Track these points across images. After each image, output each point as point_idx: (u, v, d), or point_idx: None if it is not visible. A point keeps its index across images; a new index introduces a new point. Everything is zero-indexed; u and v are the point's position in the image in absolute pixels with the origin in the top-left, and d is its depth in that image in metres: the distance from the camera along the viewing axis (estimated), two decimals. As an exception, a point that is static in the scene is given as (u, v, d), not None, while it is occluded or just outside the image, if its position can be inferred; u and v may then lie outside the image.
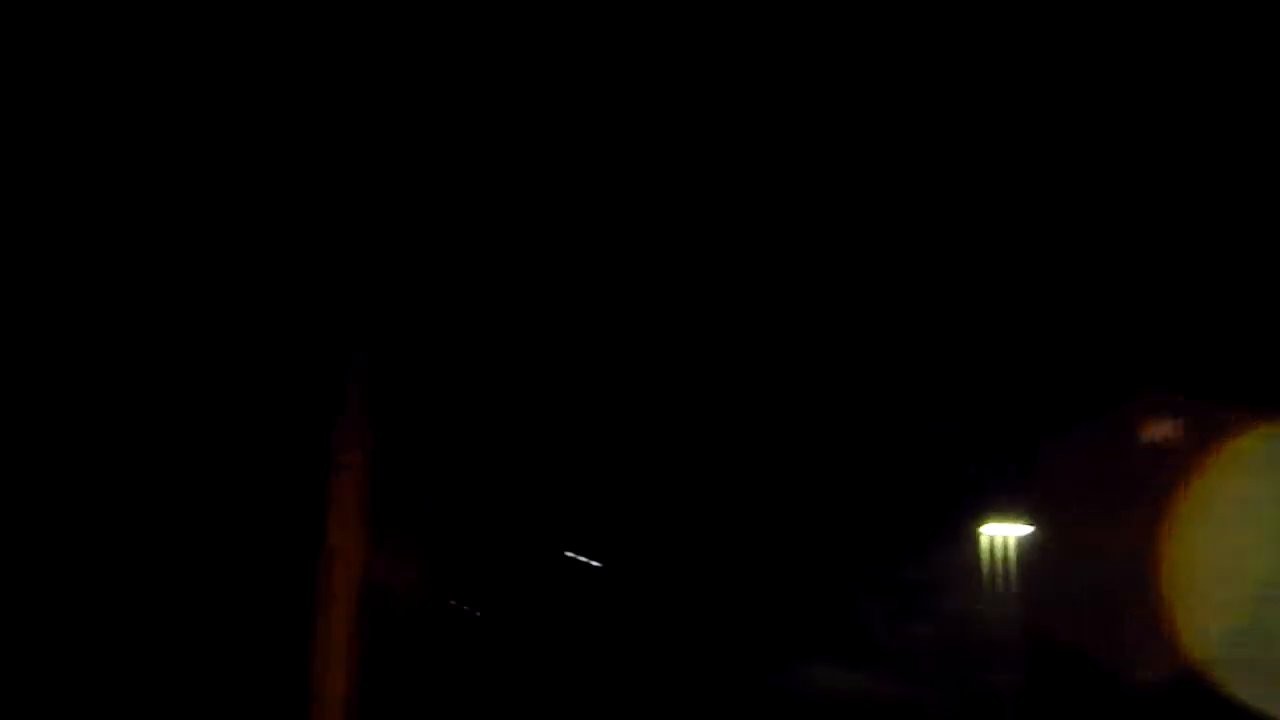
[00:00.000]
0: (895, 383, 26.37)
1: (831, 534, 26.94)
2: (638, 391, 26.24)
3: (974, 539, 25.23)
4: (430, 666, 14.82)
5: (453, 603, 20.82)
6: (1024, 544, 24.46)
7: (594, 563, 31.58)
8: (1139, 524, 23.51)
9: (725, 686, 19.81)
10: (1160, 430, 25.84)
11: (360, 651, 10.58)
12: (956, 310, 24.86)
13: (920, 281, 24.24)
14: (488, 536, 24.17)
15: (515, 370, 20.44)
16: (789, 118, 17.10)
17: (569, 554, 28.84)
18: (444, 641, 17.30)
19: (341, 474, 9.80)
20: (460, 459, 20.41)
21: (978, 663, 24.09)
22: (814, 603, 27.06)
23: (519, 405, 22.26)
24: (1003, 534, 24.28)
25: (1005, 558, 24.36)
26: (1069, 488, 25.37)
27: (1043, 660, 23.30)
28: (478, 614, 24.34)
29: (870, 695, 19.21)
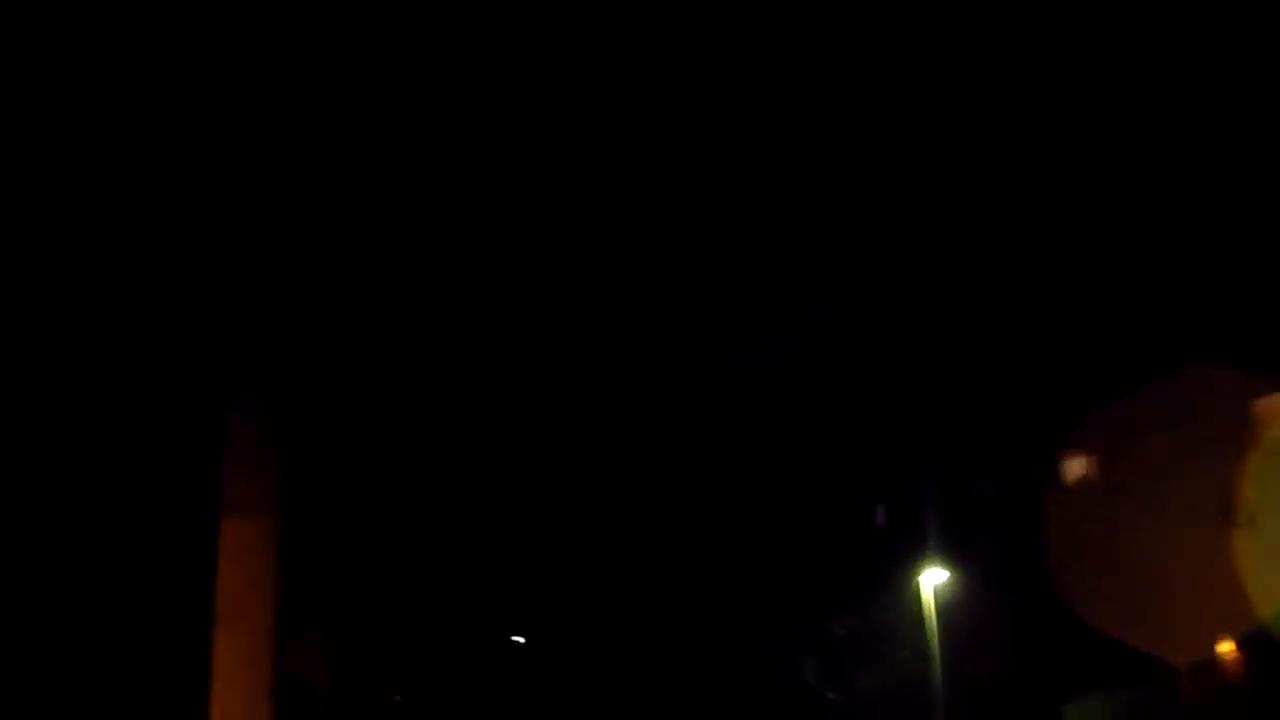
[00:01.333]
0: (824, 442, 26.25)
1: (764, 594, 26.53)
2: (556, 453, 25.65)
3: (906, 588, 25.04)
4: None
5: (370, 690, 19.78)
6: (945, 590, 24.36)
7: (518, 639, 30.67)
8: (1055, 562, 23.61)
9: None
10: (1074, 470, 26.06)
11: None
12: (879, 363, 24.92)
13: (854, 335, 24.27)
14: (403, 614, 23.20)
15: (425, 429, 19.76)
16: (782, 121, 16.87)
17: (490, 631, 27.91)
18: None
19: (236, 551, 8.84)
20: (367, 530, 19.54)
21: (917, 716, 23.77)
22: (750, 663, 26.53)
23: (429, 467, 21.49)
24: (931, 581, 24.06)
25: (932, 605, 24.16)
26: (991, 532, 25.40)
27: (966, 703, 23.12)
28: (397, 699, 23.28)
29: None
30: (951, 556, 25.18)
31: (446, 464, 22.32)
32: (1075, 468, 26.68)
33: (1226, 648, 20.63)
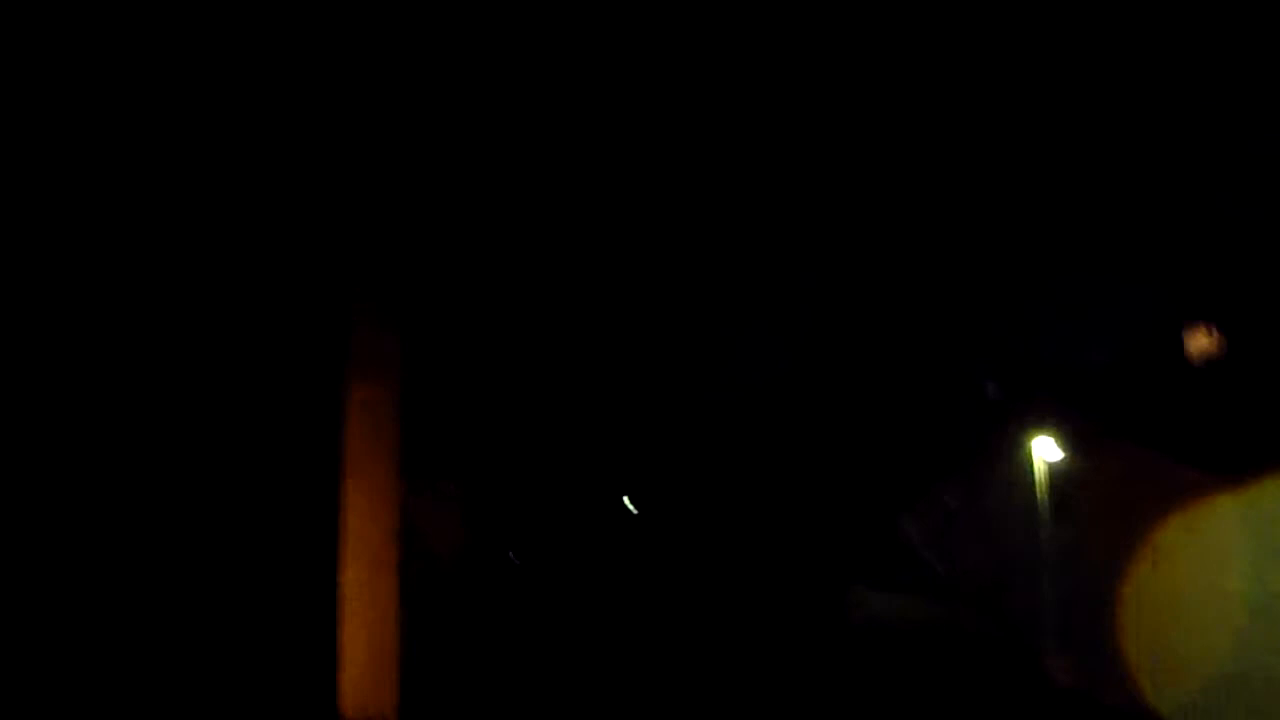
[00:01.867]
0: (935, 315, 26.04)
1: (873, 460, 26.74)
2: (671, 334, 26.01)
3: (1016, 461, 24.98)
4: (473, 618, 14.71)
5: (493, 551, 20.76)
6: (1060, 469, 24.24)
7: (632, 508, 31.57)
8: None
9: (770, 620, 19.73)
10: (1199, 344, 25.41)
11: (394, 607, 10.24)
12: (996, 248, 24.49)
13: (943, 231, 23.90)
14: (522, 483, 24.09)
15: (554, 309, 20.23)
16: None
17: (607, 499, 28.78)
18: (487, 592, 17.22)
19: (361, 410, 9.41)
20: (491, 402, 20.25)
21: (1019, 584, 23.94)
22: (858, 531, 26.93)
23: (554, 347, 22.06)
24: (1044, 457, 23.98)
25: (1046, 481, 24.11)
26: (1108, 419, 25.05)
27: (1077, 582, 23.15)
28: (518, 561, 24.35)
29: (915, 620, 19.08)
30: (1066, 428, 25.00)
31: (574, 327, 22.90)
32: (1200, 341, 26.03)
33: None
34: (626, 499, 30.39)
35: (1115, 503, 23.30)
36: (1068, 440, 24.27)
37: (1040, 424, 24.15)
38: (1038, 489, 23.69)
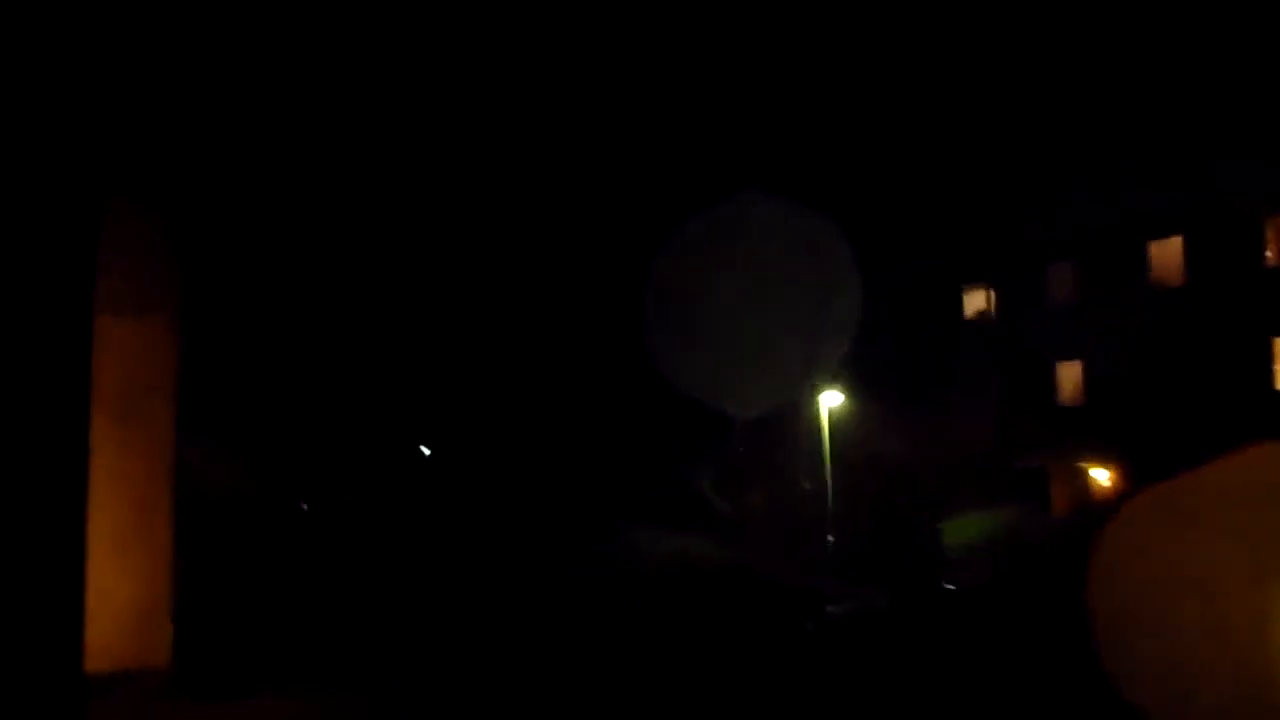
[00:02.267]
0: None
1: (663, 410, 27.22)
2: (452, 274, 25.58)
3: (802, 409, 25.94)
4: (255, 565, 14.21)
5: (276, 497, 20.06)
6: (840, 414, 25.27)
7: (424, 449, 31.16)
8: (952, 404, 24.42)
9: (558, 552, 19.85)
10: (975, 304, 26.90)
11: (166, 552, 9.61)
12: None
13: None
14: (309, 428, 23.34)
15: (339, 241, 19.51)
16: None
17: (399, 442, 28.29)
18: (269, 537, 16.64)
19: (131, 341, 8.73)
20: (273, 344, 19.44)
21: (806, 529, 24.91)
22: (648, 476, 27.42)
23: (341, 279, 21.32)
24: (827, 404, 24.91)
25: (828, 427, 25.05)
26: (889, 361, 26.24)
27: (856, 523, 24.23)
28: (305, 508, 23.64)
29: (700, 558, 19.56)
30: (849, 383, 26.11)
31: (354, 274, 22.16)
32: (975, 301, 27.61)
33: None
34: (422, 446, 29.99)
35: (889, 449, 24.41)
36: (853, 395, 25.38)
37: (828, 378, 25.14)
38: (823, 436, 24.65)
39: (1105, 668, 8.21)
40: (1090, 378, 24.32)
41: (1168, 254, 23.14)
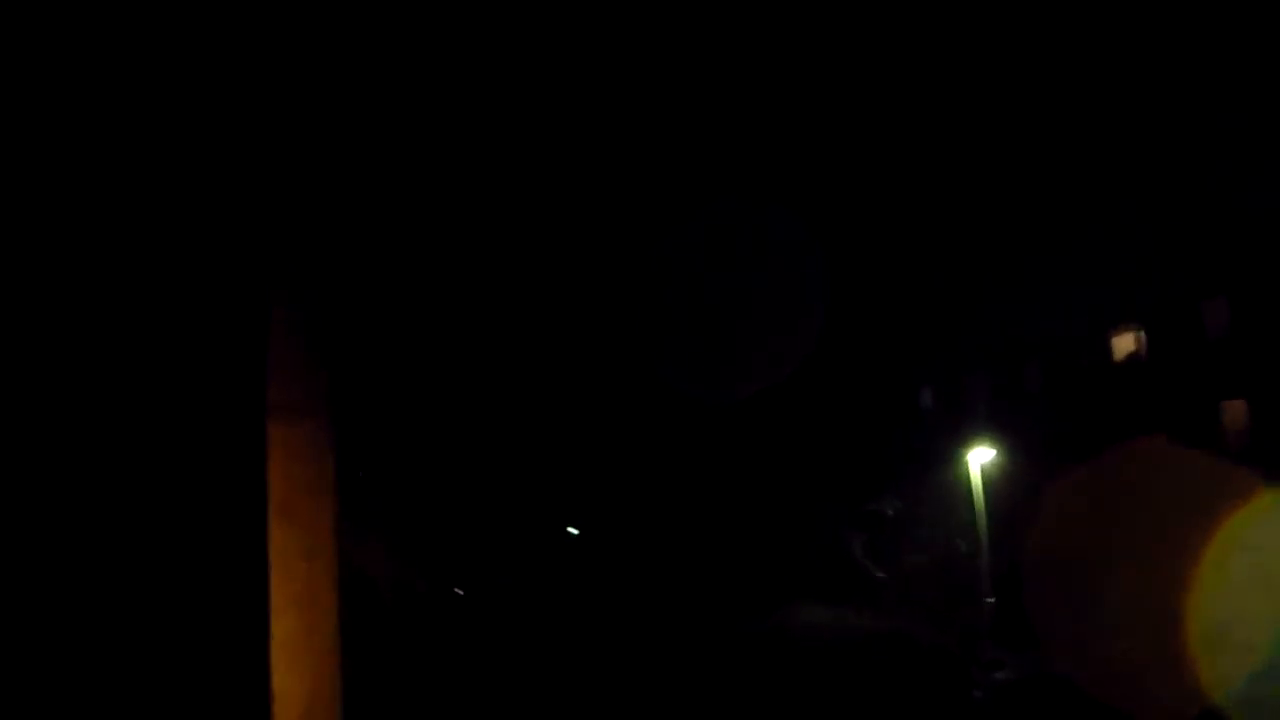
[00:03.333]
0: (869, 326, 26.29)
1: (809, 474, 26.85)
2: (601, 371, 25.94)
3: (952, 467, 25.22)
4: (419, 651, 14.47)
5: (431, 585, 20.43)
6: (994, 471, 24.49)
7: (572, 530, 31.37)
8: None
9: (715, 633, 19.62)
10: (1123, 347, 25.93)
11: (334, 653, 9.89)
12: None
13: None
14: (460, 513, 23.80)
15: (482, 344, 20.07)
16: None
17: (546, 524, 28.56)
18: (430, 624, 16.94)
19: (287, 446, 9.14)
20: (426, 438, 19.98)
21: (963, 592, 24.10)
22: (799, 544, 27.00)
23: (485, 381, 21.86)
24: (979, 461, 24.19)
25: (981, 485, 24.32)
26: (1036, 419, 25.41)
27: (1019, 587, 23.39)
28: (460, 593, 24.02)
29: (859, 630, 19.09)
30: (1001, 434, 25.30)
31: (499, 367, 22.68)
32: (1125, 344, 26.56)
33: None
34: (569, 526, 30.21)
35: (1056, 510, 23.51)
36: (1005, 449, 24.56)
37: (977, 433, 24.41)
38: (975, 498, 23.88)
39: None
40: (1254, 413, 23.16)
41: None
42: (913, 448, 26.39)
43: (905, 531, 27.85)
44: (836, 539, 26.96)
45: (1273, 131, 19.11)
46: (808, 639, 18.53)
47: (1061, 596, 15.79)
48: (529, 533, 27.03)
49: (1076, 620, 15.82)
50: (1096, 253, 25.04)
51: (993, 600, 23.52)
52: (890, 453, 27.10)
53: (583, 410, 26.85)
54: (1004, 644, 17.20)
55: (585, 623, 21.06)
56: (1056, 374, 26.12)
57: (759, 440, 27.93)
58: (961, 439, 24.99)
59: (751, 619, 20.97)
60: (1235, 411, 24.57)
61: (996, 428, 25.52)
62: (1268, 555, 15.76)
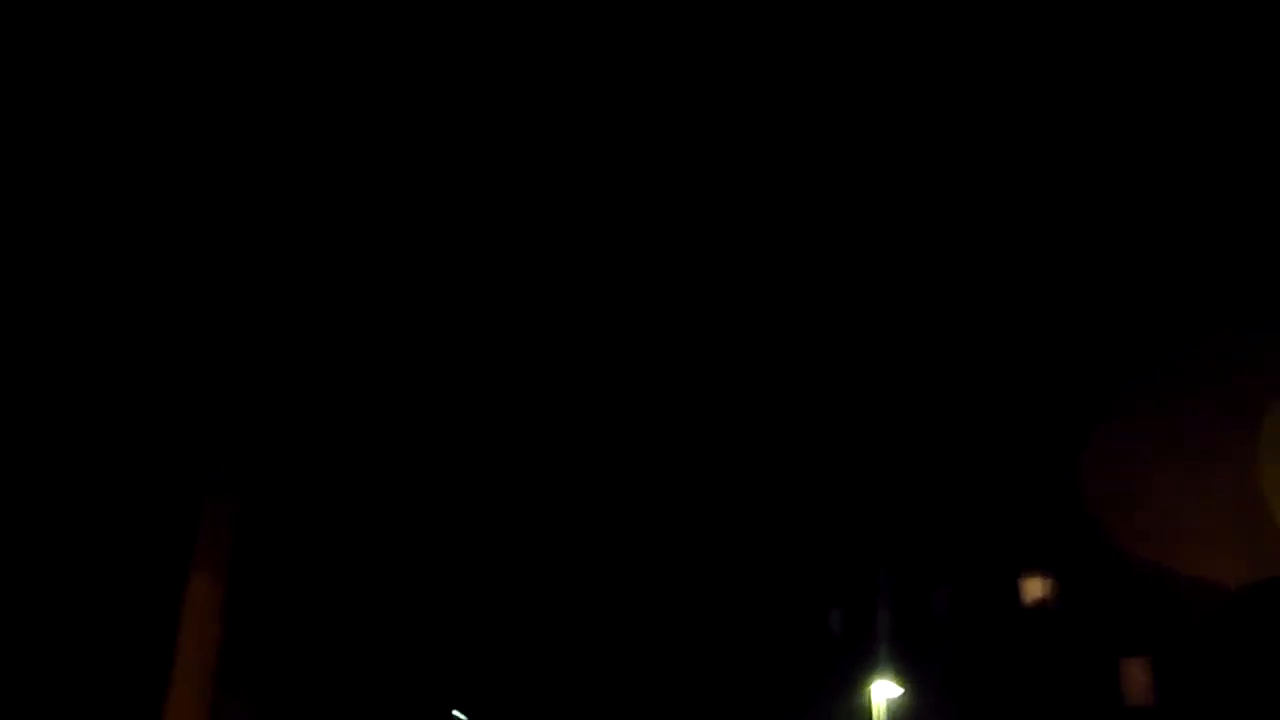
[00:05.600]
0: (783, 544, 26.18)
1: (718, 698, 26.18)
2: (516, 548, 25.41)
3: (855, 701, 24.78)
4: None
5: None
6: (897, 705, 24.15)
7: (459, 716, 30.06)
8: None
9: None
10: (1033, 593, 26.08)
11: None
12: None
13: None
14: (347, 685, 22.73)
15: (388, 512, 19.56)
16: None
17: (433, 707, 27.34)
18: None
19: (194, 604, 8.85)
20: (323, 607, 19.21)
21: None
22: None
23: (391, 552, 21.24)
24: (883, 694, 23.84)
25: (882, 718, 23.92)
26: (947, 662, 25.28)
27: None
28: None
29: None
30: (905, 668, 25.03)
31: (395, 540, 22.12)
32: (1034, 589, 26.73)
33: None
34: (454, 711, 28.95)
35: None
36: (909, 682, 24.27)
37: (880, 664, 24.16)
38: (876, 730, 23.46)
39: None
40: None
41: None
42: (820, 674, 26.00)
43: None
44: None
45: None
46: None
47: None
48: (416, 713, 25.87)
49: None
50: (1012, 493, 25.49)
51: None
52: (797, 678, 26.68)
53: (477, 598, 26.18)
54: None
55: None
56: (964, 608, 26.12)
57: (659, 660, 27.36)
58: (868, 666, 24.68)
59: None
60: (1137, 669, 24.67)
61: (902, 657, 25.28)
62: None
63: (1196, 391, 19.33)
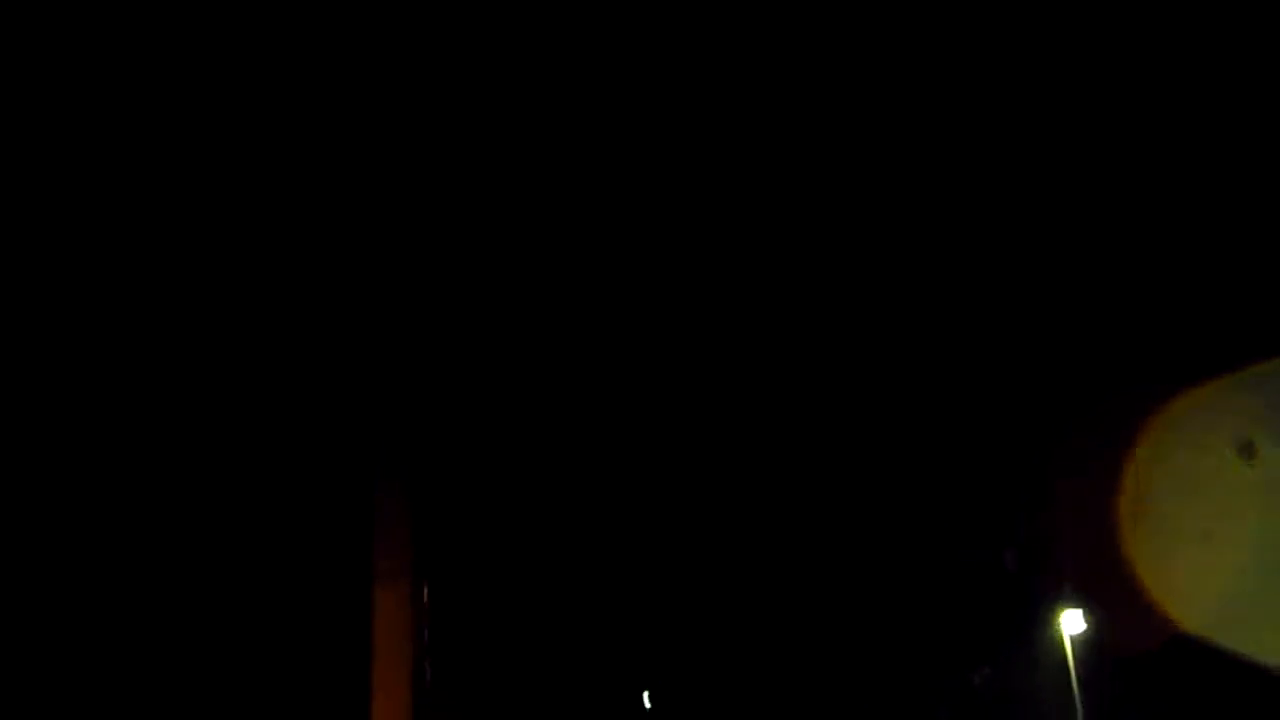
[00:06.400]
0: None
1: (895, 645, 26.05)
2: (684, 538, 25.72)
3: (1043, 636, 24.31)
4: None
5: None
6: (1083, 641, 23.56)
7: (645, 701, 30.56)
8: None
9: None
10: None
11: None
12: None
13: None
14: (543, 676, 23.34)
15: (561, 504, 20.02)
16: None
17: (622, 693, 27.88)
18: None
19: (383, 589, 9.24)
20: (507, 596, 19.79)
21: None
22: (885, 714, 26.02)
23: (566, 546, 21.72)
24: (1072, 630, 23.33)
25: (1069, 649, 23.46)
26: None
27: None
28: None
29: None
30: (1090, 598, 24.39)
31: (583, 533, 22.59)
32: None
33: None
34: (645, 695, 29.48)
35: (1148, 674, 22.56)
36: (1097, 612, 23.62)
37: (1066, 596, 23.60)
38: (1069, 663, 22.97)
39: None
40: None
41: None
42: (999, 614, 25.63)
43: (995, 701, 26.70)
44: (923, 711, 26.01)
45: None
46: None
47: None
48: (607, 701, 26.44)
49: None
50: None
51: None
52: (974, 619, 26.35)
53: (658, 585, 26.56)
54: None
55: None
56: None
57: (836, 609, 27.34)
58: (1049, 604, 24.13)
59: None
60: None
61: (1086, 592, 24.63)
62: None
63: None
